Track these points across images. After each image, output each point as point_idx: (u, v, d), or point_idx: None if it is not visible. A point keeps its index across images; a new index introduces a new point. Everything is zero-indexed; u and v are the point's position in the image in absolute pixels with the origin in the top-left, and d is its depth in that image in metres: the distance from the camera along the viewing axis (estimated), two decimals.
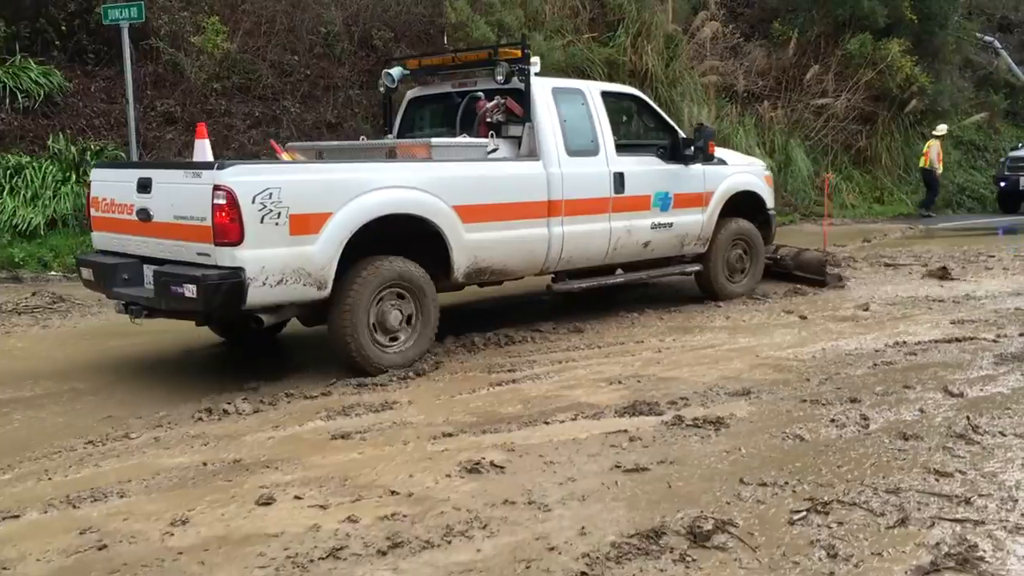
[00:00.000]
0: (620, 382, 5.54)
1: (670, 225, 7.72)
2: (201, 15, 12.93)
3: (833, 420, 4.69)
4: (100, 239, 6.29)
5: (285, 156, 7.30)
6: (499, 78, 6.91)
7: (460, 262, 6.27)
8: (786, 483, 3.85)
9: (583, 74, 14.92)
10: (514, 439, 4.52)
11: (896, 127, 20.87)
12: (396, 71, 7.78)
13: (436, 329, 6.22)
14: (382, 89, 7.98)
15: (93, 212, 6.29)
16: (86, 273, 6.24)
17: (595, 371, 5.83)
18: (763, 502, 3.66)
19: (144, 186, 5.72)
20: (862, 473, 3.97)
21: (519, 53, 6.95)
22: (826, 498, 3.69)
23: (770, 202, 8.83)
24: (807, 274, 9.22)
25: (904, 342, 6.44)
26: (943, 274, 9.42)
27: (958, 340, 6.49)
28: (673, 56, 16.48)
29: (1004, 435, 4.42)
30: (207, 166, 5.48)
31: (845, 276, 9.35)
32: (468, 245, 6.28)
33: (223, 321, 6.56)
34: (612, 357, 6.20)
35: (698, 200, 7.98)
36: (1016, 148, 20.98)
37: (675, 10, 16.56)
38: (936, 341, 6.46)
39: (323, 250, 5.53)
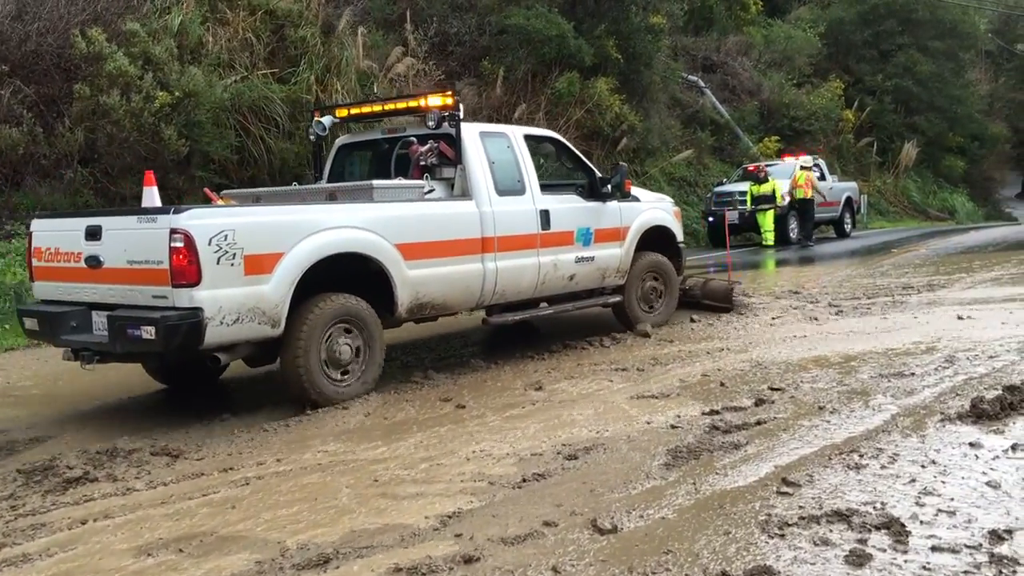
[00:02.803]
0: (150, 555, 3.76)
1: (592, 259, 8.07)
2: None
3: None
4: (43, 289, 6.33)
5: (220, 203, 7.20)
6: (431, 124, 7.17)
7: (403, 298, 6.51)
8: None
9: (259, 114, 13.18)
10: None
11: (610, 164, 20.77)
12: (327, 119, 8.01)
13: (382, 364, 6.46)
14: (312, 137, 8.20)
15: (35, 263, 6.33)
16: (30, 323, 6.26)
17: (128, 534, 3.99)
18: None
19: (93, 234, 5.81)
20: None
21: (449, 100, 7.18)
22: None
23: (679, 236, 9.24)
24: (715, 302, 9.54)
25: (568, 440, 5.15)
26: (645, 333, 8.45)
27: (632, 428, 5.32)
28: (369, 95, 15.09)
29: None
30: (163, 211, 5.63)
31: None
32: (410, 281, 6.53)
33: (178, 363, 6.56)
34: (172, 503, 4.38)
35: (616, 235, 8.34)
36: (721, 184, 21.54)
37: (366, 44, 15.20)
38: (605, 434, 5.24)
39: (276, 289, 5.73)
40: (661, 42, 23.29)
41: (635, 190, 8.88)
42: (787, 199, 19.69)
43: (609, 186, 8.19)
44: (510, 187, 7.39)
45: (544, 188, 7.73)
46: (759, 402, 5.78)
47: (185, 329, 5.32)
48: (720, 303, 9.53)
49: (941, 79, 34.03)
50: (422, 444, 5.22)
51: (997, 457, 4.52)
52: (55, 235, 6.21)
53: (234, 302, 5.50)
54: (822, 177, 22.20)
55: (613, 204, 8.30)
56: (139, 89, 10.91)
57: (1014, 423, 5.04)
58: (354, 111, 8.14)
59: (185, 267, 5.31)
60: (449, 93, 7.34)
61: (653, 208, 8.98)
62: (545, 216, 7.58)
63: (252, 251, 5.59)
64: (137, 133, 10.97)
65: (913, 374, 6.38)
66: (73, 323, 5.88)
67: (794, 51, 30.79)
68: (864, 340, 7.73)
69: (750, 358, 7.19)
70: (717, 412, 5.59)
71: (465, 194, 7.15)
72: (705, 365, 7.00)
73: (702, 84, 27.29)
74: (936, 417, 5.26)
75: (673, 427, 5.33)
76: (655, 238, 8.85)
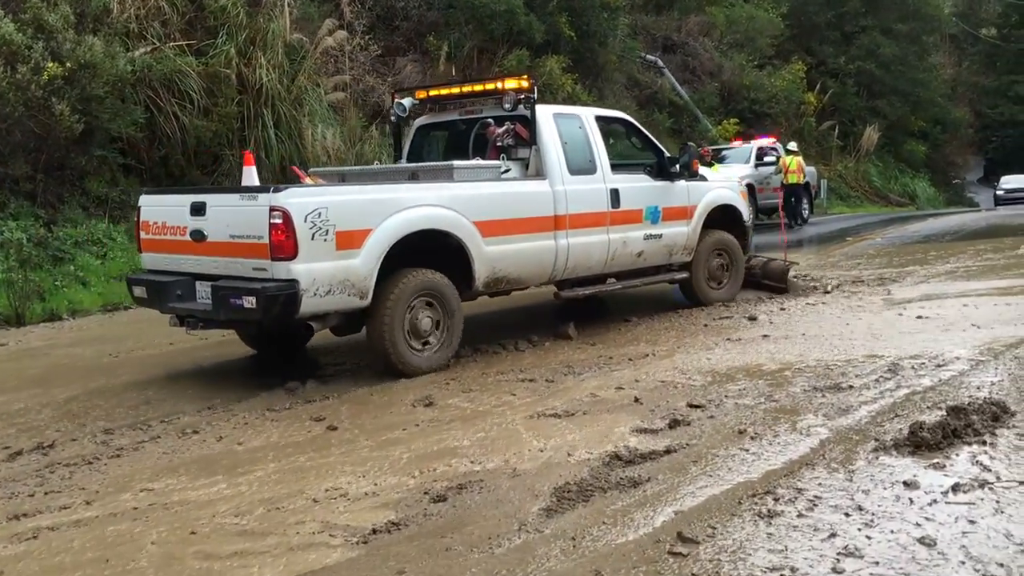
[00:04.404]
0: None
1: (660, 236, 8.29)
2: None
3: None
4: (150, 260, 6.69)
5: (308, 181, 7.59)
6: (507, 106, 7.42)
7: (481, 272, 6.79)
8: None
9: (173, 89, 12.22)
10: None
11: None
12: (407, 101, 8.22)
13: (460, 336, 6.70)
14: (393, 118, 8.45)
15: (143, 235, 6.67)
16: (138, 291, 6.62)
17: None
18: None
19: (198, 209, 6.15)
20: None
21: (525, 83, 7.43)
22: None
23: (746, 215, 9.38)
24: (772, 282, 9.74)
25: (442, 475, 4.38)
26: (567, 335, 7.68)
27: (520, 458, 4.56)
28: (299, 70, 14.15)
29: None
30: (263, 189, 6.03)
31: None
32: (487, 257, 6.80)
33: (275, 330, 6.96)
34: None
35: (683, 213, 8.54)
36: None
37: (295, 16, 14.22)
38: (487, 467, 4.47)
39: (365, 263, 6.04)
40: (618, 20, 22.50)
41: (702, 170, 9.03)
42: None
43: (677, 166, 8.36)
44: (582, 167, 7.60)
45: (614, 168, 7.92)
46: (673, 423, 5.04)
47: (283, 299, 5.67)
48: (777, 283, 9.71)
49: (904, 62, 33.61)
50: (270, 479, 4.42)
51: (935, 502, 3.81)
52: (162, 210, 6.53)
53: (327, 274, 5.83)
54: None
55: (681, 183, 8.48)
56: (26, 60, 9.91)
57: (957, 455, 4.35)
58: (432, 93, 8.33)
59: (283, 242, 5.64)
60: (525, 76, 7.57)
61: (720, 187, 9.13)
62: (615, 195, 7.80)
63: (343, 227, 5.91)
64: (24, 108, 9.98)
65: (851, 387, 5.69)
66: (178, 292, 6.24)
67: (756, 32, 30.13)
68: (803, 344, 7.05)
69: (675, 365, 6.47)
70: (623, 436, 4.85)
71: (539, 174, 7.37)
72: (624, 374, 6.26)
73: (661, 64, 26.54)
74: (869, 445, 4.56)
75: (569, 455, 4.58)
76: (722, 217, 9.00)
